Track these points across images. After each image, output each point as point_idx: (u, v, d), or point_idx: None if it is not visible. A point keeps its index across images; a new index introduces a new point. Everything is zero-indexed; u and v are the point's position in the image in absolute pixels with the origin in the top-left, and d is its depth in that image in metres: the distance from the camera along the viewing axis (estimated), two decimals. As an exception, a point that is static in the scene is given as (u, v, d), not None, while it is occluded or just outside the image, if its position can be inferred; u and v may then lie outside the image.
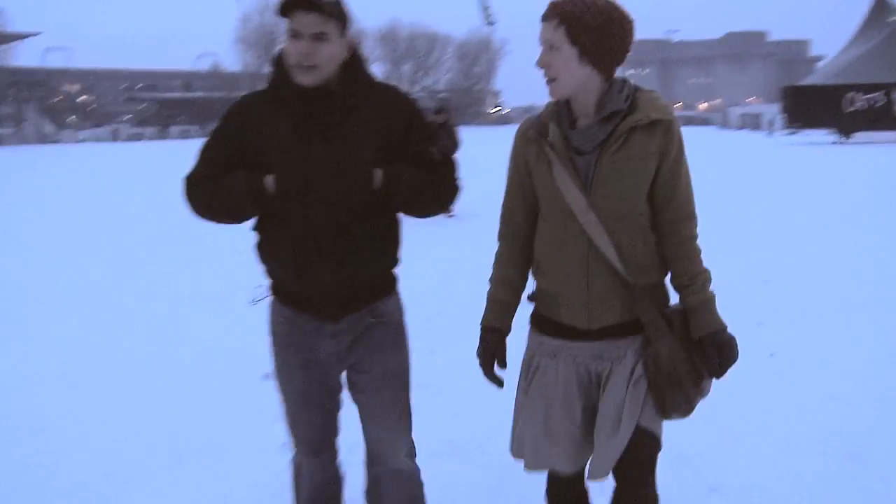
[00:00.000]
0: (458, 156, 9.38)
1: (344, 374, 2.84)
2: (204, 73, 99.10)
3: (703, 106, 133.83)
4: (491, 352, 2.59)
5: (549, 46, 2.33)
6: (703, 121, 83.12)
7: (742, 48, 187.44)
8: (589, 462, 2.51)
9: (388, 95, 2.70)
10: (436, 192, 2.71)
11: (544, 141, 2.41)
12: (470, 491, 3.60)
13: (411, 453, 2.89)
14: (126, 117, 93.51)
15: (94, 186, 22.36)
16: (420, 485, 2.92)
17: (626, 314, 2.41)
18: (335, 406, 2.92)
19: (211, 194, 2.63)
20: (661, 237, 2.43)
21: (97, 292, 8.03)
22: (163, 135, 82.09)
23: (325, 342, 2.71)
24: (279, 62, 2.55)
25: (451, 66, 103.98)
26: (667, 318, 2.42)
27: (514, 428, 2.62)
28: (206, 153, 2.65)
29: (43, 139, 75.71)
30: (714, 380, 2.47)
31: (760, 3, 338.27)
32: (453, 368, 4.62)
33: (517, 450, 2.61)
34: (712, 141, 40.85)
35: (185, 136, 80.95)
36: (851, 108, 39.82)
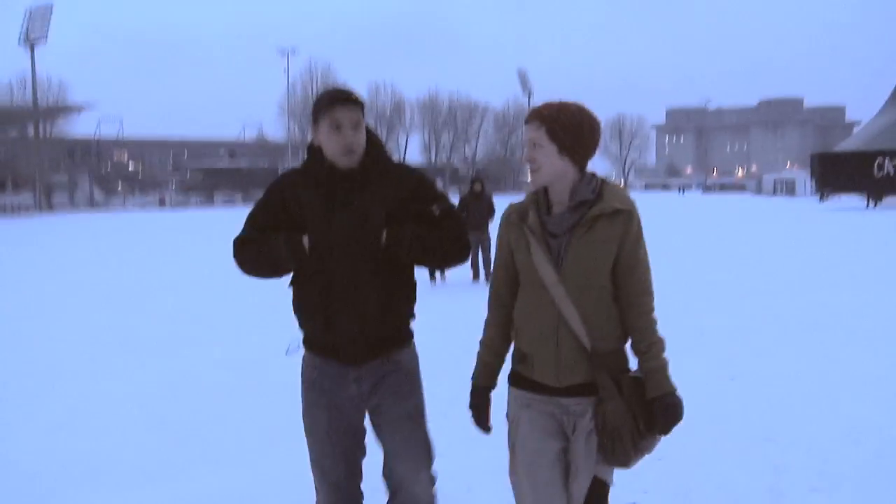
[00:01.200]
0: (494, 223, 10.39)
1: (367, 419, 3.16)
2: (248, 142, 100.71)
3: (739, 173, 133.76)
4: (480, 405, 2.94)
5: (532, 144, 2.71)
6: (739, 187, 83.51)
7: (778, 115, 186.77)
8: None
9: (398, 170, 3.10)
10: (441, 244, 3.03)
11: (524, 224, 2.76)
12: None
13: (431, 482, 3.16)
14: (172, 185, 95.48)
15: (144, 250, 23.39)
16: None
17: (591, 375, 2.70)
18: (358, 447, 3.19)
19: (257, 252, 3.04)
20: (622, 309, 2.72)
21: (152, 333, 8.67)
22: (208, 202, 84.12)
23: (349, 386, 3.04)
24: (313, 150, 3.03)
25: (489, 136, 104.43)
26: (618, 384, 2.69)
27: (513, 483, 2.87)
28: (252, 219, 3.10)
29: (94, 206, 78.29)
30: (662, 437, 2.76)
31: (796, 70, 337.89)
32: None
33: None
34: (745, 208, 40.92)
35: (229, 204, 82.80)
36: (881, 174, 40.23)
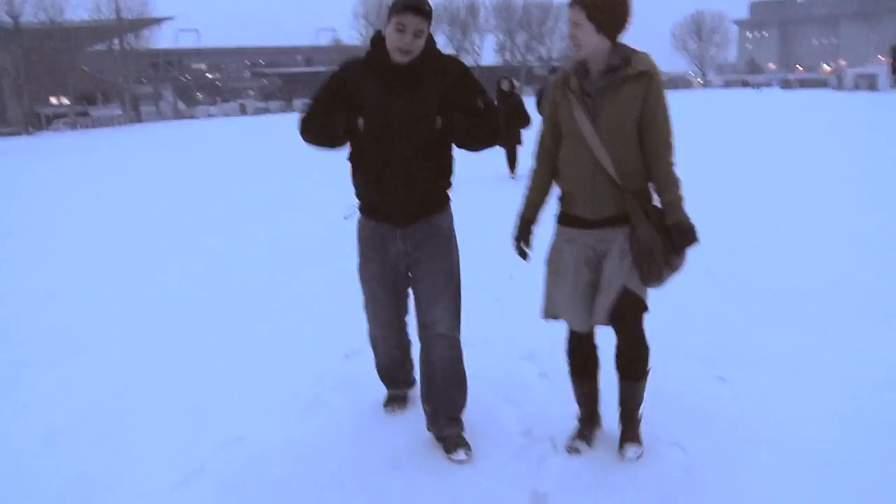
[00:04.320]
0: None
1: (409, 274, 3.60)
2: (324, 47, 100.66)
3: (827, 68, 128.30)
4: (523, 234, 3.44)
5: (574, 24, 3.10)
6: (819, 83, 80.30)
7: (874, 4, 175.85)
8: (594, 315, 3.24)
9: (446, 63, 3.43)
10: (481, 132, 3.44)
11: (567, 87, 3.21)
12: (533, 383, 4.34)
13: (454, 327, 3.60)
14: (251, 93, 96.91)
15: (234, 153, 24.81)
16: (459, 348, 3.65)
17: (620, 209, 3.15)
18: (403, 291, 3.67)
19: (319, 127, 3.45)
20: (645, 155, 3.14)
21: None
22: (287, 108, 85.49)
23: (397, 243, 3.51)
24: (376, 41, 3.37)
25: (565, 36, 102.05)
26: (647, 213, 3.15)
27: (545, 294, 3.40)
28: (317, 99, 3.47)
29: (178, 115, 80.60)
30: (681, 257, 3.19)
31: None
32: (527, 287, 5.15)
33: (547, 309, 3.40)
34: (820, 104, 39.62)
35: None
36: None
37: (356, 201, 3.61)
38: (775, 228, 8.33)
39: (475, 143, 3.47)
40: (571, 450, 3.49)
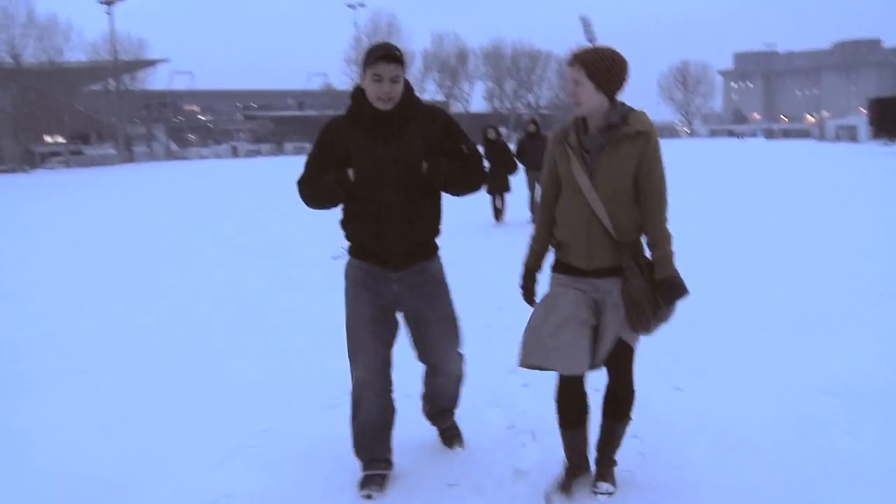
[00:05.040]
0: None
1: (399, 314, 3.65)
2: (316, 91, 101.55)
3: (810, 119, 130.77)
4: (528, 284, 3.53)
5: (574, 82, 3.19)
6: (802, 133, 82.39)
7: (853, 57, 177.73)
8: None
9: (430, 111, 3.57)
10: (466, 176, 3.55)
11: (566, 142, 3.29)
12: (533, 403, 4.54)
13: (462, 360, 3.82)
14: (242, 135, 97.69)
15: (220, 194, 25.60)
16: (462, 372, 3.89)
17: (614, 261, 3.24)
18: (392, 338, 3.66)
19: (315, 188, 3.54)
20: (640, 210, 3.24)
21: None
22: (278, 151, 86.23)
23: (391, 286, 3.56)
24: (357, 95, 3.47)
25: (553, 84, 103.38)
26: (639, 265, 3.24)
27: (524, 341, 3.35)
28: (309, 161, 3.58)
29: (171, 156, 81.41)
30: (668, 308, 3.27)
31: (872, 10, 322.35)
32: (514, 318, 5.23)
33: (524, 357, 3.33)
34: (804, 154, 40.66)
35: (299, 151, 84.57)
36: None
37: (345, 243, 3.68)
38: (736, 260, 9.28)
39: (461, 188, 3.59)
40: (548, 500, 3.49)
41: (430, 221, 3.61)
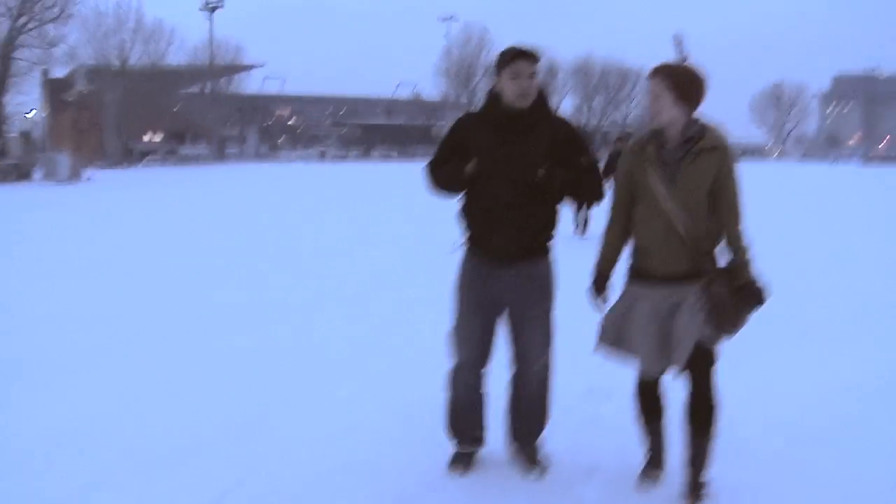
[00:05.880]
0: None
1: (504, 309, 3.77)
2: (404, 100, 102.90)
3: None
4: (599, 287, 3.64)
5: (654, 95, 3.32)
6: (900, 159, 79.92)
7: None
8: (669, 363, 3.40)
9: (558, 120, 3.74)
10: (581, 189, 3.69)
11: (644, 154, 3.39)
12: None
13: (548, 365, 3.83)
14: (330, 141, 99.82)
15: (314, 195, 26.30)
16: (549, 385, 3.86)
17: (690, 267, 3.32)
18: (493, 327, 3.79)
19: (441, 172, 3.75)
20: (717, 220, 3.35)
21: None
22: (365, 157, 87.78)
23: (498, 281, 3.69)
24: (491, 96, 3.67)
25: (641, 101, 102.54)
26: (719, 273, 3.33)
27: (602, 326, 3.55)
28: (440, 148, 3.82)
29: (261, 157, 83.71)
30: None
31: None
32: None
33: (601, 339, 3.56)
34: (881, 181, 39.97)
35: (385, 158, 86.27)
36: None
37: (461, 236, 3.84)
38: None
39: (576, 198, 3.79)
40: (641, 483, 3.72)
41: (543, 223, 3.72)
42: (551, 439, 4.08)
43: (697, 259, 3.32)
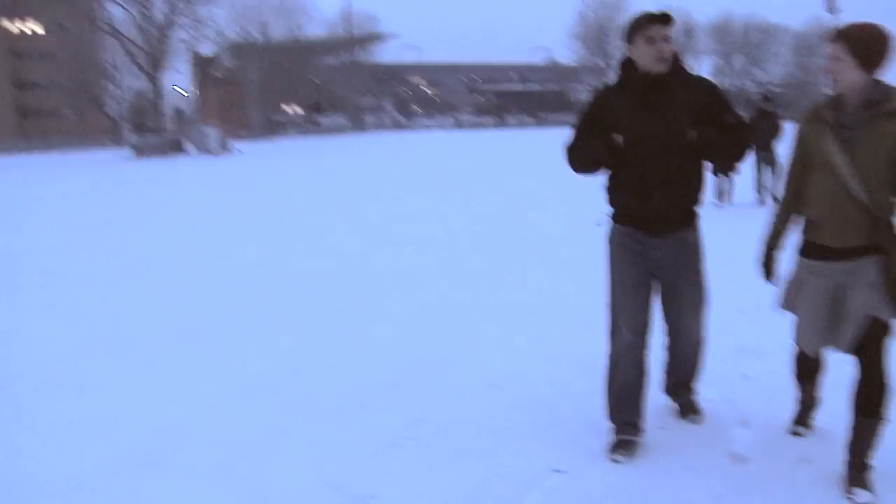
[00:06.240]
0: (779, 145, 10.67)
1: (659, 282, 3.70)
2: (538, 66, 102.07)
3: None
4: (769, 262, 3.52)
5: (835, 59, 3.13)
6: None
7: None
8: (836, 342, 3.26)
9: (698, 80, 3.61)
10: (732, 148, 3.55)
11: (820, 121, 3.23)
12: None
13: (703, 335, 3.87)
14: (467, 108, 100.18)
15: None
16: (703, 347, 3.91)
17: (867, 239, 3.14)
18: (651, 302, 3.70)
19: (582, 152, 3.64)
20: None
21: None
22: (500, 124, 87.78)
23: (653, 250, 3.61)
24: (625, 64, 3.57)
25: (787, 59, 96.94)
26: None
27: (796, 325, 3.42)
28: (578, 127, 3.68)
29: (397, 126, 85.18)
30: None
31: None
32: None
33: (786, 302, 3.48)
34: None
35: (521, 125, 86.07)
36: None
37: (608, 209, 3.76)
38: None
39: (727, 159, 3.64)
40: (794, 433, 3.75)
41: (693, 189, 3.63)
42: (703, 392, 4.15)
43: (876, 231, 3.12)
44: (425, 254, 9.23)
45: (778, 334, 3.78)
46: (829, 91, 3.26)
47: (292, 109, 78.45)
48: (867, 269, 3.15)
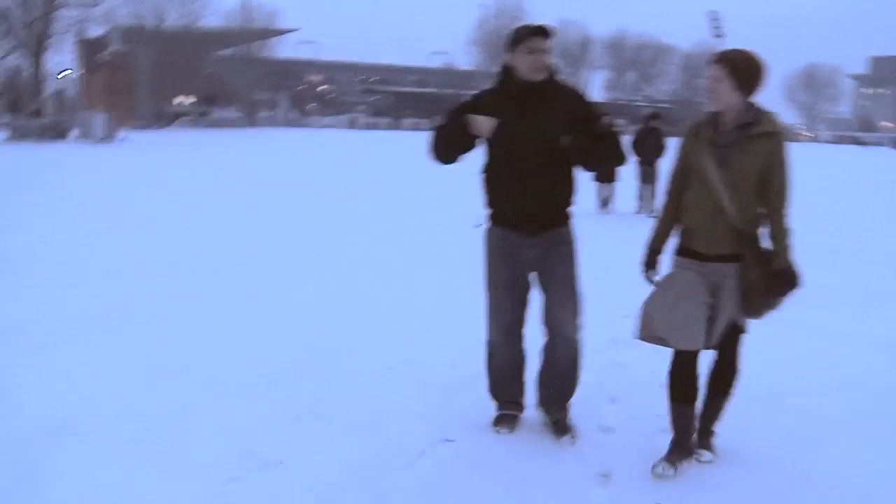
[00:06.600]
0: (663, 160, 11.44)
1: (533, 277, 3.88)
2: (436, 69, 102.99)
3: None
4: (650, 262, 3.73)
5: (715, 79, 3.39)
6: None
7: None
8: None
9: (572, 90, 3.82)
10: (604, 154, 3.75)
11: (700, 137, 3.49)
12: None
13: (577, 329, 3.90)
14: (361, 107, 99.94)
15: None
16: (578, 349, 3.92)
17: (734, 248, 3.45)
18: (526, 297, 3.92)
19: (445, 131, 3.78)
20: (764, 205, 3.45)
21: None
22: (395, 125, 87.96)
23: (526, 251, 3.81)
24: (506, 70, 3.74)
25: (675, 77, 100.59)
26: (759, 255, 3.45)
27: (642, 313, 3.60)
28: (450, 113, 3.83)
29: (291, 123, 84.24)
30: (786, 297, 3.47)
31: None
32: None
33: (643, 330, 3.59)
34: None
35: (416, 127, 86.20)
36: None
37: (484, 211, 3.95)
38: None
39: (598, 164, 3.88)
40: (656, 472, 3.60)
41: (565, 192, 3.83)
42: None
43: (741, 242, 3.44)
44: (323, 246, 9.57)
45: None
46: (709, 109, 3.53)
47: (186, 100, 76.47)
48: (729, 276, 3.47)
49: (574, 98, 3.80)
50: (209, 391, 4.53)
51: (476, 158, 3.95)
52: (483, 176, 3.88)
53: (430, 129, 3.91)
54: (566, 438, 3.92)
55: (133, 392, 4.50)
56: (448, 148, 3.83)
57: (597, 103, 3.87)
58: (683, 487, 3.50)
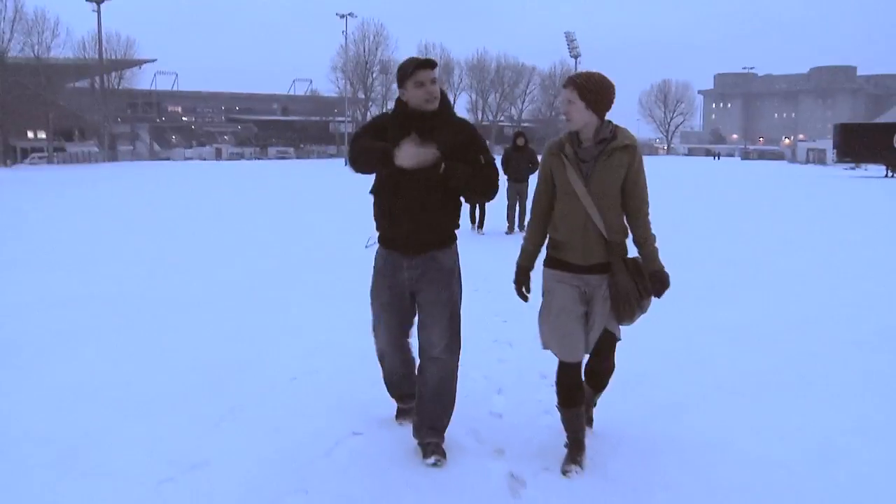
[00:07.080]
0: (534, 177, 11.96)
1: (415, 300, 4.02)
2: (301, 97, 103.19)
3: (786, 141, 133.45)
4: (522, 280, 3.91)
5: (567, 101, 3.62)
6: (777, 155, 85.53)
7: (829, 83, 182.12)
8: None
9: (460, 123, 3.99)
10: (479, 183, 3.88)
11: (562, 154, 3.67)
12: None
13: (448, 351, 3.96)
14: (226, 138, 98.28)
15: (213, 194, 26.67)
16: (451, 371, 4.01)
17: (605, 257, 3.65)
18: (407, 316, 4.11)
19: (366, 148, 3.84)
20: (627, 214, 3.68)
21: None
22: (262, 154, 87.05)
23: (403, 271, 3.96)
24: (400, 102, 3.89)
25: (536, 97, 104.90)
26: (625, 262, 3.67)
27: (540, 330, 3.84)
28: (365, 128, 4.03)
29: (154, 156, 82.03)
30: (655, 298, 3.74)
31: (849, 39, 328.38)
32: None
33: (544, 343, 3.84)
34: (769, 174, 43.40)
35: (282, 156, 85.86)
36: (899, 145, 41.11)
37: (376, 233, 4.14)
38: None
39: (474, 192, 3.98)
40: (566, 472, 3.83)
41: (445, 217, 3.98)
42: (468, 366, 4.50)
43: (609, 252, 3.65)
44: (210, 278, 9.68)
45: (525, 331, 4.93)
46: (567, 129, 3.76)
47: (37, 135, 73.19)
48: (601, 285, 3.69)
49: (460, 130, 3.95)
50: (125, 410, 4.76)
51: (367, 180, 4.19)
52: (373, 197, 4.07)
53: (352, 141, 4.06)
54: (430, 459, 3.94)
55: (51, 416, 4.66)
56: (368, 163, 3.91)
57: (480, 137, 4.03)
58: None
